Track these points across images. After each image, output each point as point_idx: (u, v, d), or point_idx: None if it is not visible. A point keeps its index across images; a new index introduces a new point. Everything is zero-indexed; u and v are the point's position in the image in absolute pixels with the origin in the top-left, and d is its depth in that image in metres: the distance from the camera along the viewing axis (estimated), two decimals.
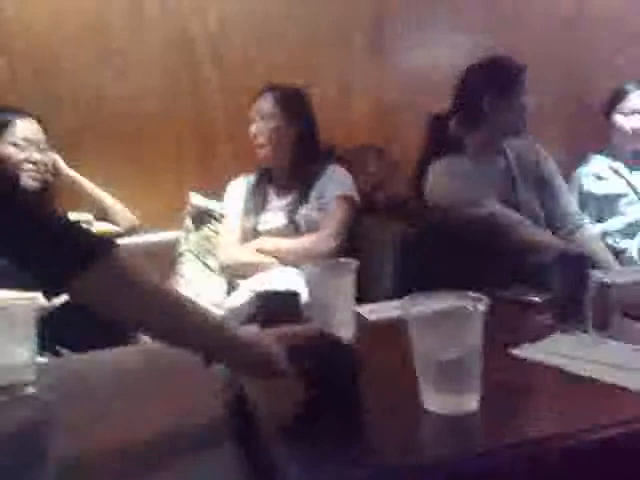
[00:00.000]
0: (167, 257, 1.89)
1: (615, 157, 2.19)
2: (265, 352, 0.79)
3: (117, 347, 1.27)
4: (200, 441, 0.79)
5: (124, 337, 1.53)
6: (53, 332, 1.24)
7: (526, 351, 0.93)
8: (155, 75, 2.03)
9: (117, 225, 1.95)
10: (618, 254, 1.98)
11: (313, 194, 1.79)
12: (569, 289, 1.03)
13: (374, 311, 1.20)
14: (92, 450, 0.78)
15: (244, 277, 1.72)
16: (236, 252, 1.76)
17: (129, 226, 1.98)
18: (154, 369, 1.07)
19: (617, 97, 2.15)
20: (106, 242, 0.77)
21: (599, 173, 2.15)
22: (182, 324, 0.78)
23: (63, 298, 1.46)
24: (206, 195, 1.96)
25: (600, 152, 2.22)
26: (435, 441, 0.77)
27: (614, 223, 2.08)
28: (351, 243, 1.75)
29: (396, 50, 2.24)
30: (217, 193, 1.93)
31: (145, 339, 1.68)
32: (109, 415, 0.87)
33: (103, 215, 1.95)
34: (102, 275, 0.74)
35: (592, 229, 1.95)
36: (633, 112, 2.15)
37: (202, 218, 1.93)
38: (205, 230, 1.92)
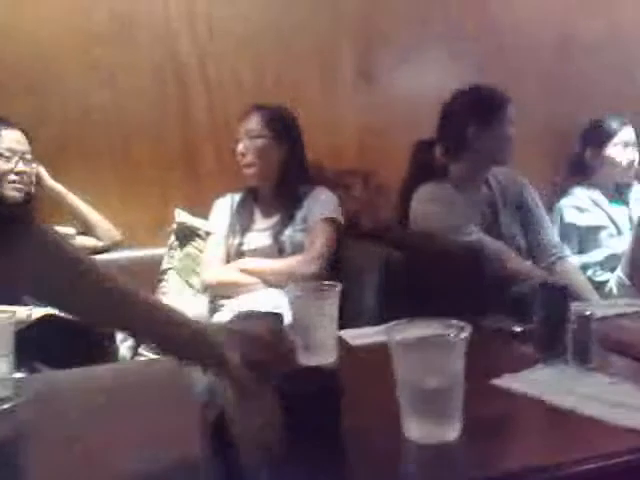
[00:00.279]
0: (150, 274, 1.87)
1: (596, 190, 2.23)
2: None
3: (95, 363, 1.25)
4: (178, 462, 0.78)
5: (102, 353, 1.51)
6: (30, 347, 1.21)
7: (507, 381, 0.93)
8: (142, 89, 2.03)
9: (99, 240, 1.93)
10: (598, 286, 2.00)
11: (299, 215, 1.79)
12: (550, 320, 1.04)
13: (357, 336, 1.20)
14: (67, 468, 0.76)
15: (227, 297, 1.71)
16: (220, 271, 1.76)
17: (112, 241, 1.96)
18: (132, 387, 1.05)
19: (609, 132, 2.21)
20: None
21: (580, 205, 2.19)
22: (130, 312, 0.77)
23: (41, 312, 1.43)
24: (192, 212, 1.95)
25: (581, 185, 2.26)
26: (415, 470, 0.77)
27: (594, 255, 2.12)
28: (335, 266, 1.75)
29: (384, 75, 2.27)
30: (203, 211, 1.93)
31: (124, 354, 1.66)
32: (85, 434, 0.86)
33: (86, 229, 1.93)
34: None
35: (573, 261, 1.98)
36: (626, 145, 2.20)
37: (187, 236, 1.92)
38: (189, 248, 1.91)
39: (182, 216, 1.92)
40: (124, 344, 1.69)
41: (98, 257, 1.87)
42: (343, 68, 2.22)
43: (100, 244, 1.93)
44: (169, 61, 2.05)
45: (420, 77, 2.31)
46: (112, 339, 1.57)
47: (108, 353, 1.52)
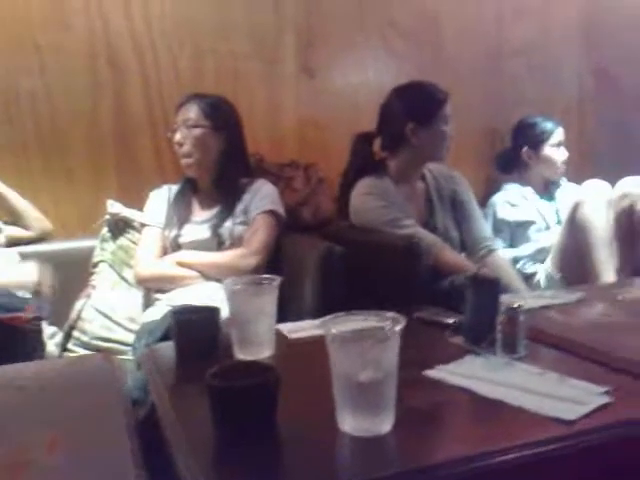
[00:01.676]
0: (81, 267, 1.80)
1: (528, 186, 2.33)
2: None
3: (20, 360, 1.19)
4: (105, 463, 0.75)
5: (28, 350, 1.44)
6: None
7: (438, 372, 0.96)
8: (76, 76, 1.95)
9: (29, 229, 1.84)
10: (527, 278, 2.09)
11: (239, 208, 1.76)
12: (480, 312, 1.07)
13: (294, 329, 1.20)
14: None
15: (162, 291, 1.67)
16: (155, 264, 1.70)
17: (42, 231, 1.87)
18: (57, 386, 1.01)
19: (545, 133, 2.31)
20: None
21: (512, 200, 2.28)
22: None
23: None
24: (125, 204, 1.89)
25: (514, 181, 2.35)
26: (348, 462, 0.77)
27: (524, 249, 2.21)
28: (275, 259, 1.74)
29: (326, 69, 2.27)
30: (137, 202, 1.87)
31: (51, 350, 1.59)
32: (6, 435, 0.81)
33: (14, 219, 1.84)
34: None
35: (504, 254, 2.06)
36: (559, 145, 2.32)
37: (120, 227, 1.85)
38: (122, 240, 1.84)
39: (115, 207, 1.86)
40: (52, 340, 1.62)
41: (28, 248, 1.79)
42: (285, 62, 2.20)
43: (29, 234, 1.84)
44: (103, 46, 1.97)
45: (361, 73, 2.32)
46: (39, 336, 1.50)
47: (34, 350, 1.45)
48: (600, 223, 1.93)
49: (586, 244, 1.93)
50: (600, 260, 1.91)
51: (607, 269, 1.91)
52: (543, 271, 2.08)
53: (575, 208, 1.97)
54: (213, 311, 1.12)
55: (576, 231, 1.96)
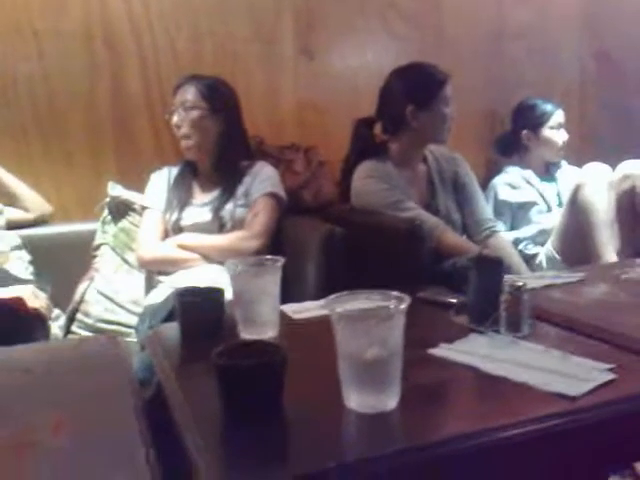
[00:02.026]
0: (83, 250, 1.80)
1: (529, 168, 2.32)
2: None
3: (25, 342, 1.19)
4: (113, 443, 0.75)
5: (32, 334, 1.44)
6: None
7: (443, 351, 0.96)
8: (73, 59, 1.93)
9: (28, 210, 1.83)
10: (529, 260, 2.10)
11: (240, 190, 1.76)
12: (484, 292, 1.08)
13: (298, 310, 1.20)
14: None
15: (165, 273, 1.67)
16: (156, 247, 1.70)
17: (42, 212, 1.86)
18: (64, 367, 1.01)
19: (544, 115, 2.31)
20: None
21: (513, 183, 2.28)
22: None
23: None
24: (126, 186, 1.89)
25: (515, 163, 2.35)
26: (354, 439, 0.78)
27: (526, 231, 2.21)
28: (276, 241, 1.74)
29: (325, 51, 2.25)
30: (138, 185, 1.86)
31: (55, 333, 1.60)
32: (12, 416, 0.82)
33: (13, 201, 1.83)
34: None
35: (505, 235, 2.06)
36: (559, 127, 2.31)
37: (121, 210, 1.84)
38: (124, 223, 1.84)
39: (116, 190, 1.85)
40: (55, 323, 1.63)
41: (29, 231, 1.79)
42: (284, 44, 2.18)
43: (29, 216, 1.83)
44: (100, 28, 1.95)
45: (361, 55, 2.30)
46: (43, 318, 1.51)
47: (38, 331, 1.45)
48: (601, 205, 1.93)
49: (587, 225, 1.93)
50: (601, 242, 1.91)
51: (608, 250, 1.91)
52: (544, 252, 2.09)
53: (576, 190, 1.97)
54: (217, 292, 1.12)
55: (577, 213, 1.96)
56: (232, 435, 0.77)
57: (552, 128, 2.31)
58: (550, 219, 2.17)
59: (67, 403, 0.86)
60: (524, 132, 2.33)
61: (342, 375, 0.78)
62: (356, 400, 0.78)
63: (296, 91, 2.22)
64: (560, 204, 2.25)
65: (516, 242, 2.16)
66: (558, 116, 2.32)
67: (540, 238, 2.16)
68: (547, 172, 2.37)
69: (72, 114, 1.95)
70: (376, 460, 0.69)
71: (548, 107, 2.32)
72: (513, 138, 2.38)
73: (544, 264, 2.07)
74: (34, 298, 1.47)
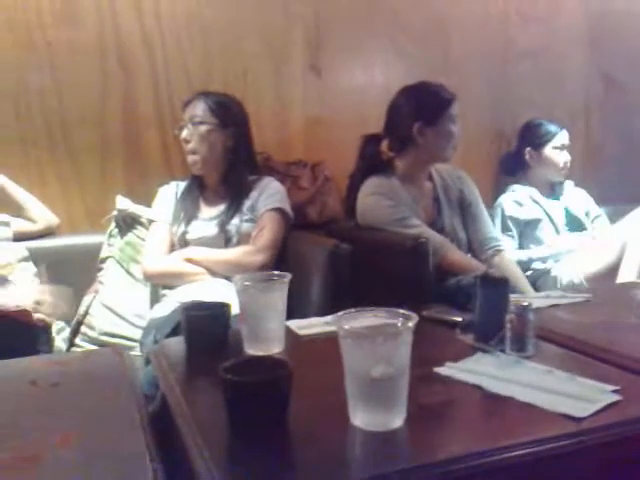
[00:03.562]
0: (89, 262, 1.81)
1: (533, 187, 2.34)
2: None
3: (29, 355, 1.20)
4: (118, 457, 0.75)
5: (36, 346, 1.44)
6: None
7: (448, 370, 0.96)
8: (85, 73, 1.96)
9: (34, 221, 1.84)
10: (540, 275, 2.10)
11: (246, 205, 1.77)
12: (489, 311, 1.08)
13: (304, 326, 1.20)
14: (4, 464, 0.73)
15: (169, 287, 1.68)
16: (163, 261, 1.71)
17: (48, 223, 1.87)
18: (70, 380, 1.01)
19: (548, 135, 2.33)
20: None
21: (519, 200, 2.29)
22: None
23: None
24: (134, 200, 1.90)
25: (520, 182, 2.36)
26: (361, 457, 0.78)
27: (539, 252, 2.20)
28: (281, 257, 1.74)
29: (334, 69, 2.27)
30: (146, 199, 1.88)
31: (59, 345, 1.60)
32: (20, 429, 0.82)
33: (19, 212, 1.84)
34: None
35: (510, 254, 2.06)
36: (562, 148, 2.33)
37: (128, 223, 1.85)
38: (130, 236, 1.85)
39: (124, 203, 1.86)
40: (59, 335, 1.63)
41: (35, 243, 1.80)
42: (293, 61, 2.21)
43: (36, 227, 1.84)
44: (113, 44, 1.98)
45: (368, 73, 2.33)
46: (48, 330, 1.51)
47: (43, 344, 1.46)
48: None
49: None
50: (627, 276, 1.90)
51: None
52: (568, 274, 2.08)
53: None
54: (224, 307, 1.12)
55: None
56: (237, 450, 0.77)
57: (555, 148, 2.33)
58: (562, 242, 2.18)
59: (73, 416, 0.86)
60: (527, 149, 2.36)
61: (348, 392, 0.79)
62: (362, 418, 0.78)
63: (304, 107, 2.24)
64: (567, 223, 2.26)
65: (529, 262, 2.16)
66: (562, 137, 2.34)
67: (552, 259, 2.17)
68: (552, 191, 2.39)
69: (83, 126, 1.97)
70: (382, 478, 0.68)
71: (552, 127, 2.35)
72: (517, 156, 2.40)
73: (563, 281, 2.06)
74: (38, 307, 1.48)
